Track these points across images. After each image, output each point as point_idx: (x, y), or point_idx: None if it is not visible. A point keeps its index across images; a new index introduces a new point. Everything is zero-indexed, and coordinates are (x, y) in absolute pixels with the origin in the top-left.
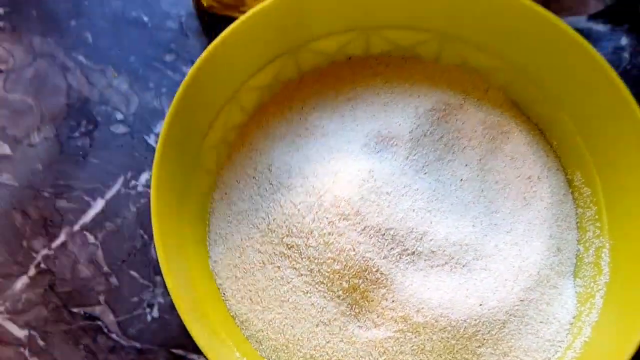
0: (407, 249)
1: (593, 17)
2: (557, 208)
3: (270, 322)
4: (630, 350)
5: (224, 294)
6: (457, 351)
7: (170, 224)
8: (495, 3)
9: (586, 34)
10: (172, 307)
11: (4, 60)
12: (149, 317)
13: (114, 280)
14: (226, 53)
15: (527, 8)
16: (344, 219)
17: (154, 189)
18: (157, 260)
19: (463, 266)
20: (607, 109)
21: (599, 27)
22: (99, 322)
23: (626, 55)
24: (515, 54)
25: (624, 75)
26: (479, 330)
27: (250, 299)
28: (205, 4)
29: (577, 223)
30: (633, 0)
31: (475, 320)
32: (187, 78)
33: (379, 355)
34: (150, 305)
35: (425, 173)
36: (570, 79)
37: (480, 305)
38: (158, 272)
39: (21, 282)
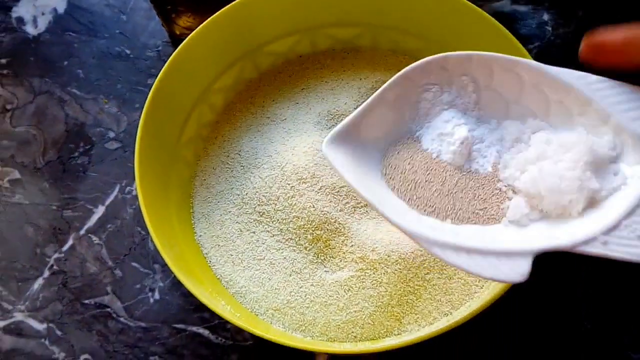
0: (359, 202)
1: (516, 2)
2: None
3: (251, 278)
4: None
5: (210, 261)
6: (409, 280)
7: (159, 212)
8: None
9: (512, 15)
10: (170, 289)
11: (9, 101)
12: (151, 300)
13: (118, 272)
14: (187, 63)
15: None
16: (303, 182)
17: (138, 186)
18: (154, 251)
19: None
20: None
21: (522, 8)
22: (108, 309)
23: (549, 28)
24: (437, 35)
25: (549, 45)
26: (426, 259)
27: (233, 262)
28: (178, 32)
29: None
30: None
31: (421, 251)
32: (153, 89)
33: (345, 293)
34: (152, 290)
35: None
36: (476, 45)
37: None
38: (156, 260)
39: (38, 284)
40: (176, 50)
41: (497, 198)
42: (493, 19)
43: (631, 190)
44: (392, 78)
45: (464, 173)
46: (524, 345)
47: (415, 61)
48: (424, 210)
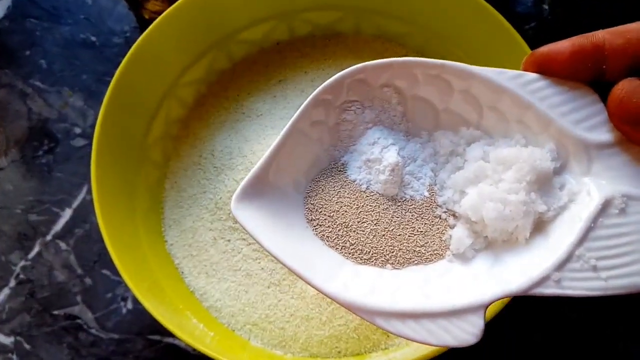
0: None
1: None
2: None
3: (226, 291)
4: None
5: (182, 272)
6: None
7: (120, 217)
8: None
9: None
10: None
11: None
12: (124, 310)
13: (88, 280)
14: (151, 53)
15: None
16: None
17: (95, 189)
18: None
19: None
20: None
21: None
22: (79, 320)
23: (546, 7)
24: (422, 18)
25: (546, 25)
26: None
27: (207, 273)
28: (147, 17)
29: None
30: None
31: None
32: (113, 82)
33: (327, 306)
34: (124, 299)
35: None
36: (470, 32)
37: None
38: None
39: (3, 294)
40: (140, 38)
41: (438, 228)
42: (484, 0)
43: (579, 210)
44: (302, 105)
45: (399, 204)
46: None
47: (401, 47)
48: (360, 259)
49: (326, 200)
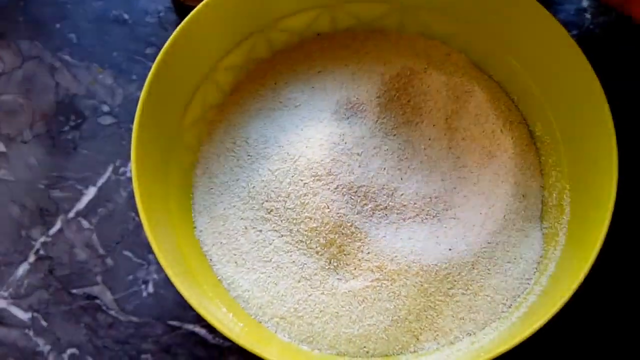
0: (379, 204)
1: None
2: (520, 158)
3: (255, 282)
4: (582, 276)
5: (210, 259)
6: (430, 294)
7: (155, 200)
8: None
9: None
10: (166, 282)
11: None
12: (144, 293)
13: (109, 261)
14: (195, 35)
15: None
16: (317, 180)
17: (134, 170)
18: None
19: (433, 217)
20: (558, 60)
21: None
22: (98, 301)
23: (588, 15)
24: (472, 17)
25: (587, 34)
26: (450, 273)
27: (236, 262)
28: None
29: (541, 170)
30: None
31: (446, 263)
32: (156, 62)
33: (358, 304)
34: (145, 282)
35: (394, 135)
36: (525, 37)
37: (450, 249)
38: (151, 250)
39: (22, 269)
40: (184, 20)
41: None
42: (540, 5)
43: None
44: None
45: None
46: None
47: (445, 46)
48: None
49: None
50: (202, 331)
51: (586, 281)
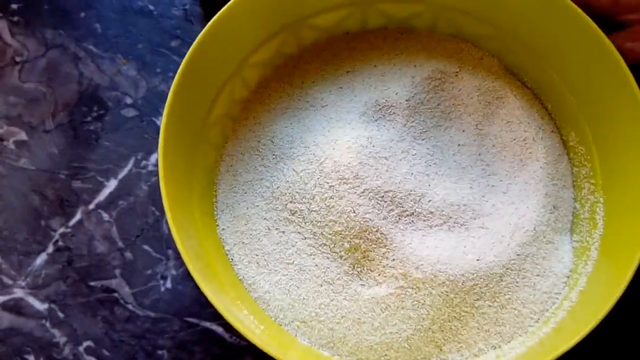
0: (406, 210)
1: None
2: (552, 167)
3: (277, 284)
4: (619, 293)
5: (232, 259)
6: (456, 305)
7: (179, 196)
8: None
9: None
10: (184, 278)
11: (18, 52)
12: (162, 288)
13: (128, 254)
14: (225, 30)
15: None
16: (343, 183)
17: (161, 164)
18: (168, 235)
19: (461, 225)
20: (596, 69)
21: None
22: (115, 294)
23: None
24: (507, 21)
25: None
26: (477, 284)
27: (257, 263)
28: None
29: (573, 181)
30: None
31: (473, 274)
32: (187, 56)
33: (381, 311)
34: (164, 277)
35: (423, 139)
36: (559, 41)
37: (478, 260)
38: (170, 246)
39: (41, 259)
40: (216, 15)
41: None
42: (577, 8)
43: None
44: None
45: None
46: None
47: (477, 50)
48: None
49: None
50: (219, 329)
51: (618, 301)
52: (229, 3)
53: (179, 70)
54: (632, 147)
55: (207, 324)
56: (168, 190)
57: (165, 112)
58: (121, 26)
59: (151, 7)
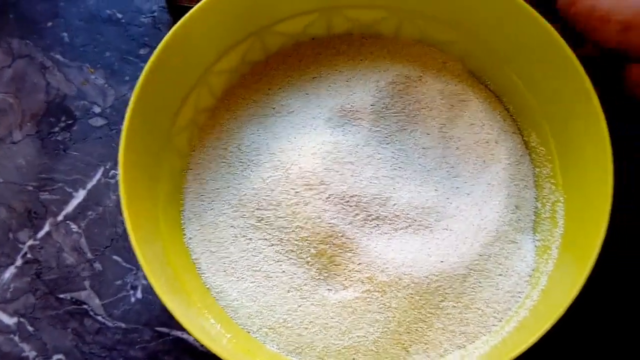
0: (371, 214)
1: None
2: (514, 169)
3: (244, 291)
4: (577, 290)
5: (199, 268)
6: (421, 306)
7: (143, 206)
8: None
9: None
10: None
11: None
12: (132, 299)
13: (97, 265)
14: (189, 37)
15: None
16: (309, 189)
17: (121, 174)
18: None
19: (425, 228)
20: (553, 71)
21: None
22: (85, 306)
23: None
24: (471, 26)
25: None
26: (441, 285)
27: (225, 271)
28: None
29: (534, 181)
30: None
31: (437, 276)
32: (149, 64)
33: (348, 315)
34: (134, 287)
35: (388, 143)
36: (520, 45)
37: (442, 262)
38: None
39: (9, 272)
40: (179, 22)
41: None
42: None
43: None
44: None
45: None
46: None
47: (441, 54)
48: None
49: None
50: (190, 338)
51: (578, 297)
52: (191, 10)
53: (140, 79)
54: (588, 146)
55: (179, 333)
56: (129, 202)
57: (125, 121)
58: (88, 35)
59: (119, 15)
